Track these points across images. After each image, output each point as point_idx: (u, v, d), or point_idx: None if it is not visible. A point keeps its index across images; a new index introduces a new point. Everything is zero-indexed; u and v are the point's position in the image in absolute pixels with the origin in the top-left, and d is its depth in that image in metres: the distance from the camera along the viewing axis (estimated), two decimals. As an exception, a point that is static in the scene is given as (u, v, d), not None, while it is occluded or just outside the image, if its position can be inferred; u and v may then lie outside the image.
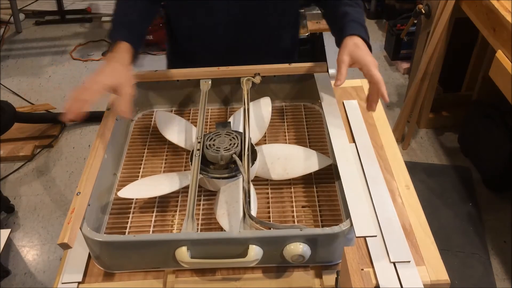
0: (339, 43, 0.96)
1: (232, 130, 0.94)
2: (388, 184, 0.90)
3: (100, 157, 0.86)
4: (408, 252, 0.77)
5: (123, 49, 0.94)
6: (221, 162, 0.88)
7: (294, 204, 0.87)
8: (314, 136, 1.02)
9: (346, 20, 0.98)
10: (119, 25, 1.01)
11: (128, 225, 0.85)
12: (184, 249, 0.72)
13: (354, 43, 0.92)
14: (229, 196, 0.84)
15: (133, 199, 0.89)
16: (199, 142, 0.89)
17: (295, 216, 0.85)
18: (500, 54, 1.46)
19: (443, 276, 0.75)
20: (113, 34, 0.97)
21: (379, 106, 1.08)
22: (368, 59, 0.89)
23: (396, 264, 0.76)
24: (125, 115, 0.85)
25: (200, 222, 0.85)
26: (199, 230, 0.83)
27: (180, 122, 1.03)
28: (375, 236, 0.71)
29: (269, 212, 0.86)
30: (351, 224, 0.72)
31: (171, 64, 1.29)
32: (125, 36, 0.96)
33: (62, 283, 0.77)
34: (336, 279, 0.72)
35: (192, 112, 1.10)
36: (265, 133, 1.01)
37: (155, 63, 2.82)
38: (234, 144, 0.89)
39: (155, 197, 0.89)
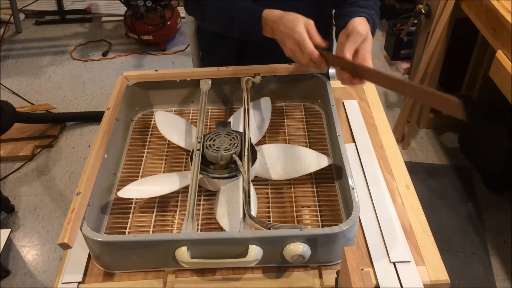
0: (341, 28, 0.91)
1: (232, 130, 0.94)
2: (388, 184, 0.90)
3: (100, 157, 0.86)
4: (408, 252, 0.77)
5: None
6: (221, 162, 0.88)
7: (294, 204, 0.87)
8: (314, 136, 1.02)
9: (351, 8, 0.95)
10: (249, 7, 0.98)
11: (128, 225, 0.85)
12: (184, 249, 0.72)
13: (356, 29, 0.87)
14: (229, 196, 0.84)
15: (133, 199, 0.89)
16: (199, 142, 0.89)
17: (295, 216, 0.85)
18: (500, 54, 1.46)
19: (443, 276, 0.75)
20: (254, 11, 0.96)
21: (379, 106, 1.08)
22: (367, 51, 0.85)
23: (396, 264, 0.76)
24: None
25: (200, 222, 0.85)
26: (199, 230, 0.83)
27: (180, 122, 1.03)
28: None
29: (269, 212, 0.86)
30: (351, 224, 0.72)
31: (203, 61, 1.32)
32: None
33: (62, 283, 0.77)
34: (336, 279, 0.72)
35: (192, 112, 1.10)
36: (265, 133, 1.01)
37: (155, 63, 2.82)
38: (234, 144, 0.89)
39: (155, 197, 0.89)
